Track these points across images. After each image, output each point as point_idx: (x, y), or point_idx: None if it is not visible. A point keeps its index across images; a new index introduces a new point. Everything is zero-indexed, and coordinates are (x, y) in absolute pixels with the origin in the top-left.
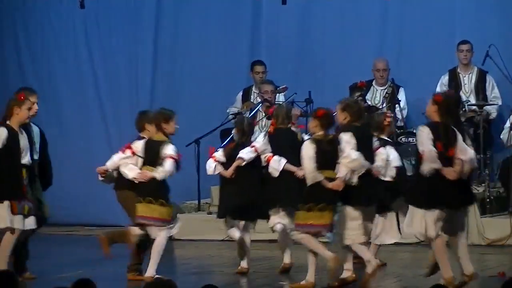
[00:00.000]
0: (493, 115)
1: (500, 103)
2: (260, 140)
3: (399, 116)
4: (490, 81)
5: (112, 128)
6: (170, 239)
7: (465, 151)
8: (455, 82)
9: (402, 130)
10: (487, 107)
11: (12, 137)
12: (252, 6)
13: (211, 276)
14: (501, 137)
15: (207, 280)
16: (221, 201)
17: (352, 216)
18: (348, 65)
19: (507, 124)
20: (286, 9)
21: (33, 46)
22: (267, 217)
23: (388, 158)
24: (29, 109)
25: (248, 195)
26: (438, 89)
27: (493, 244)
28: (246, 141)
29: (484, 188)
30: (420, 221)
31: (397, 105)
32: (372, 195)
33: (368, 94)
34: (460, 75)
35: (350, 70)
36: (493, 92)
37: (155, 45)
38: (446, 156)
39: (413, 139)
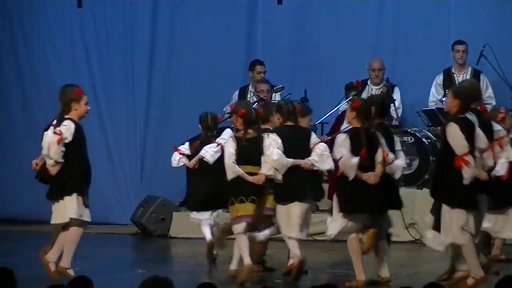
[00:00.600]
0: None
1: (494, 103)
2: (225, 137)
3: (394, 115)
4: (484, 81)
5: (108, 126)
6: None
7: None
8: (449, 82)
9: (397, 129)
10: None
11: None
12: (248, 6)
13: (215, 273)
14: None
15: (203, 278)
16: (188, 194)
17: (283, 212)
18: (344, 65)
19: None
20: (282, 8)
21: (30, 45)
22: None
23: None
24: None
25: (214, 186)
26: (433, 89)
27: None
28: (211, 136)
29: None
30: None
31: (392, 104)
32: (299, 190)
33: (363, 93)
34: (455, 75)
35: (345, 70)
36: (487, 92)
37: (151, 44)
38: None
39: (408, 138)
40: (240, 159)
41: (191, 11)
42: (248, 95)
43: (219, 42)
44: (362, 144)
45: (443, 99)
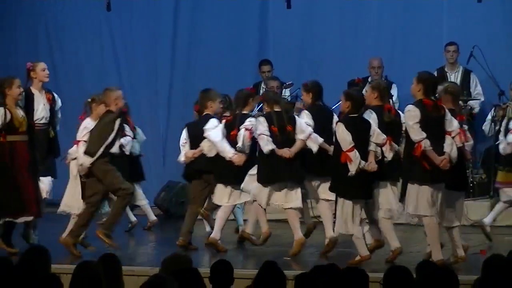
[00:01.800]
0: (476, 109)
1: (482, 99)
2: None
3: None
4: (473, 79)
5: (134, 117)
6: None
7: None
8: (442, 80)
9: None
10: (471, 102)
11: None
12: (260, 10)
13: (219, 252)
14: (483, 128)
15: (216, 256)
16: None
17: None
18: (347, 63)
19: (489, 117)
20: (291, 12)
21: (63, 44)
22: None
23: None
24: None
25: None
26: None
27: (476, 225)
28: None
29: (468, 174)
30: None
31: (390, 100)
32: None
33: (364, 90)
34: (447, 74)
35: (348, 68)
36: (476, 89)
37: (173, 43)
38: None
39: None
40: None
41: (210, 12)
42: (261, 91)
43: (234, 43)
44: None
45: (436, 96)
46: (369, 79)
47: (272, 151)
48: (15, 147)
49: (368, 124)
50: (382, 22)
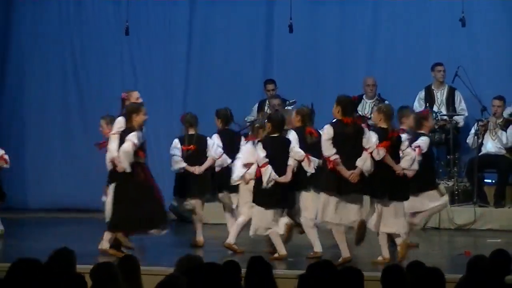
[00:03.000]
0: (461, 123)
1: (466, 114)
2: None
3: None
4: (458, 96)
5: (150, 126)
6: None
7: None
8: (430, 97)
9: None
10: (456, 117)
11: None
12: (265, 34)
13: (228, 254)
14: (467, 141)
15: (227, 256)
16: None
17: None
18: (343, 82)
19: (472, 131)
20: (293, 36)
21: (87, 64)
22: None
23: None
24: None
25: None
26: (416, 103)
27: (460, 228)
28: None
29: (453, 182)
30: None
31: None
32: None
33: (359, 106)
34: (434, 91)
35: (345, 86)
36: (460, 105)
37: (187, 65)
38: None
39: None
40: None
41: (219, 39)
42: (266, 107)
43: (242, 64)
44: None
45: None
46: (364, 97)
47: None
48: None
49: (288, 142)
50: (375, 44)
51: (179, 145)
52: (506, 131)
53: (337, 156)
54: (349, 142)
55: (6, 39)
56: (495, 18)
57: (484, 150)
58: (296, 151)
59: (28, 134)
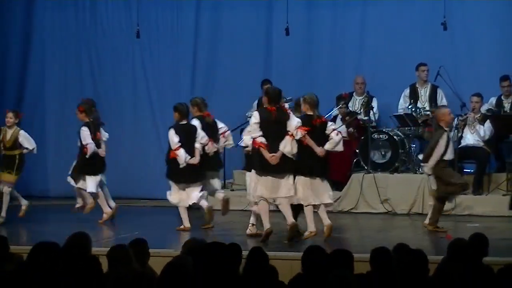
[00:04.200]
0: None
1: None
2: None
3: (373, 118)
4: (440, 93)
5: (159, 121)
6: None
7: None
8: (414, 94)
9: (375, 129)
10: None
11: None
12: (264, 36)
13: (232, 237)
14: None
15: (230, 239)
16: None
17: None
18: (335, 80)
19: (453, 125)
20: (289, 39)
21: (102, 65)
22: None
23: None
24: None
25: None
26: (401, 99)
27: (442, 214)
28: None
29: None
30: None
31: (371, 111)
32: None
33: (350, 102)
34: (418, 89)
35: (337, 84)
36: (442, 101)
37: (193, 65)
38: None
39: (383, 136)
40: None
41: (222, 42)
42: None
43: (244, 63)
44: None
45: (409, 107)
46: (354, 94)
47: None
48: None
49: (194, 128)
50: (364, 46)
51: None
52: (483, 125)
53: (262, 139)
54: (273, 127)
55: (29, 43)
56: (474, 22)
57: (463, 143)
58: (202, 136)
59: (48, 126)
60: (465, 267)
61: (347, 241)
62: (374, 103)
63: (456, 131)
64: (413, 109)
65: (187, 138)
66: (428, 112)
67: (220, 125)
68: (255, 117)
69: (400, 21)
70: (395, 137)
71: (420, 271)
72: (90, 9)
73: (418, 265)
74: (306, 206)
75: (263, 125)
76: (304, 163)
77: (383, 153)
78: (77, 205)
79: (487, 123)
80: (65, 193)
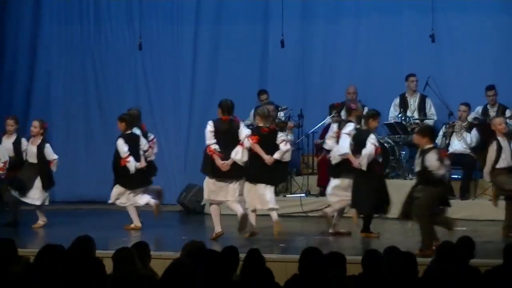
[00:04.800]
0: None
1: (435, 118)
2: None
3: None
4: (428, 102)
5: (160, 129)
6: (203, 214)
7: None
8: (404, 103)
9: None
10: (426, 121)
11: None
12: (261, 48)
13: (231, 240)
14: (436, 142)
15: (229, 243)
16: None
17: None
18: (328, 90)
19: (440, 133)
20: (284, 51)
21: (106, 72)
22: None
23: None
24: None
25: None
26: (391, 108)
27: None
28: None
29: None
30: None
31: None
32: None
33: (342, 111)
34: (408, 98)
35: (330, 94)
36: (430, 110)
37: (193, 75)
38: None
39: None
40: None
41: (221, 53)
42: None
43: (241, 74)
44: None
45: (399, 116)
46: (346, 103)
47: None
48: None
49: (137, 137)
50: (356, 57)
51: None
52: (470, 132)
53: (216, 146)
54: (225, 136)
55: (35, 54)
56: (461, 35)
57: (451, 149)
58: (144, 143)
59: (54, 134)
60: (453, 269)
61: (340, 243)
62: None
63: (444, 138)
64: (403, 118)
65: (134, 147)
66: (417, 121)
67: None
68: (210, 126)
69: (390, 34)
70: (385, 144)
71: (410, 272)
72: (94, 23)
73: (407, 267)
74: (251, 210)
75: (216, 134)
76: (251, 170)
77: None
78: (155, 203)
79: (474, 131)
80: (70, 198)
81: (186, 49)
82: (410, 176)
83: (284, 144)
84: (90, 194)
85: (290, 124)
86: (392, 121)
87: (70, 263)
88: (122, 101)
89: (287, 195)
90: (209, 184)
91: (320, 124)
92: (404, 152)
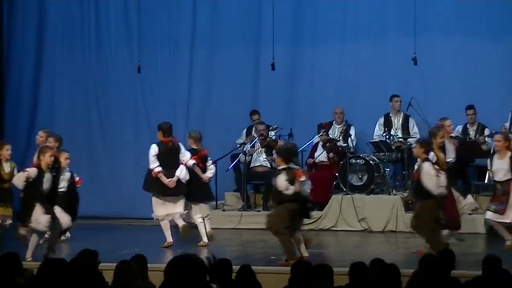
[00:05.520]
0: (414, 144)
1: (418, 136)
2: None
3: (351, 145)
4: (412, 122)
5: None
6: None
7: None
8: (388, 122)
9: (353, 155)
10: (410, 139)
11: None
12: (253, 71)
13: (224, 253)
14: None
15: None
16: None
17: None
18: (317, 111)
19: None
20: (275, 73)
21: (107, 92)
22: None
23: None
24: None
25: None
26: (376, 127)
27: (414, 232)
28: None
29: (407, 193)
30: None
31: (349, 138)
32: None
33: (330, 130)
34: (392, 118)
35: (318, 114)
36: (413, 129)
37: (189, 97)
38: None
39: (360, 160)
40: None
41: (215, 76)
42: (253, 131)
43: (234, 95)
44: None
45: (383, 134)
46: (333, 123)
47: None
48: None
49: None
50: (342, 79)
51: None
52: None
53: (159, 168)
54: (168, 156)
55: (39, 75)
56: (441, 58)
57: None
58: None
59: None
60: (434, 280)
61: (328, 256)
62: (352, 131)
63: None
64: (387, 137)
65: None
66: (401, 139)
67: None
68: (154, 150)
69: (375, 57)
70: (371, 161)
71: (394, 283)
72: (96, 47)
73: (392, 278)
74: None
75: (160, 155)
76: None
77: (360, 176)
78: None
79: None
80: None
81: (182, 71)
82: (394, 191)
83: (210, 163)
84: (93, 210)
85: (280, 142)
86: (377, 140)
87: (71, 275)
88: (122, 121)
89: None
90: (158, 202)
91: (309, 143)
92: (388, 169)
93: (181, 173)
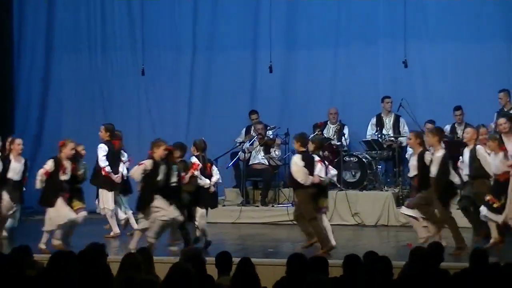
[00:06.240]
0: (404, 143)
1: (408, 136)
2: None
3: (344, 144)
4: (402, 122)
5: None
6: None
7: None
8: (380, 122)
9: (346, 153)
10: (400, 138)
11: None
12: (251, 73)
13: (224, 246)
14: (406, 156)
15: (222, 248)
16: None
17: None
18: (312, 111)
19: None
20: (272, 75)
21: (112, 99)
22: None
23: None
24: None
25: None
26: (369, 127)
27: (404, 226)
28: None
29: (398, 189)
30: None
31: (343, 137)
32: None
33: (324, 130)
34: (383, 118)
35: (313, 114)
36: (404, 129)
37: (190, 98)
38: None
39: (353, 158)
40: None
41: (216, 78)
42: (251, 131)
43: (233, 96)
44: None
45: (375, 134)
46: (328, 123)
47: None
48: None
49: None
50: (336, 81)
51: None
52: None
53: (109, 167)
54: (116, 157)
55: (48, 80)
56: (430, 61)
57: None
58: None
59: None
60: (424, 271)
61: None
62: (346, 131)
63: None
64: (379, 136)
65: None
66: (392, 138)
67: None
68: (104, 150)
69: (367, 60)
70: (363, 159)
71: (386, 274)
72: (101, 52)
73: (384, 270)
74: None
75: (109, 155)
76: None
77: (353, 173)
78: None
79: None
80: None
81: (184, 74)
82: (386, 188)
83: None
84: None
85: (278, 141)
86: (370, 139)
87: (80, 268)
88: (127, 122)
89: (275, 205)
90: (109, 196)
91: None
92: (380, 167)
93: (124, 170)
